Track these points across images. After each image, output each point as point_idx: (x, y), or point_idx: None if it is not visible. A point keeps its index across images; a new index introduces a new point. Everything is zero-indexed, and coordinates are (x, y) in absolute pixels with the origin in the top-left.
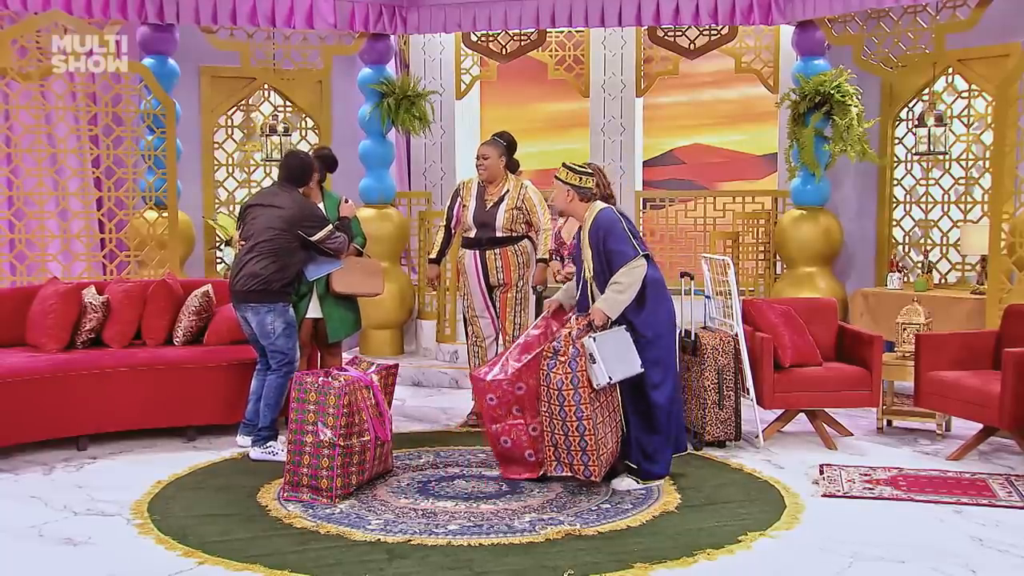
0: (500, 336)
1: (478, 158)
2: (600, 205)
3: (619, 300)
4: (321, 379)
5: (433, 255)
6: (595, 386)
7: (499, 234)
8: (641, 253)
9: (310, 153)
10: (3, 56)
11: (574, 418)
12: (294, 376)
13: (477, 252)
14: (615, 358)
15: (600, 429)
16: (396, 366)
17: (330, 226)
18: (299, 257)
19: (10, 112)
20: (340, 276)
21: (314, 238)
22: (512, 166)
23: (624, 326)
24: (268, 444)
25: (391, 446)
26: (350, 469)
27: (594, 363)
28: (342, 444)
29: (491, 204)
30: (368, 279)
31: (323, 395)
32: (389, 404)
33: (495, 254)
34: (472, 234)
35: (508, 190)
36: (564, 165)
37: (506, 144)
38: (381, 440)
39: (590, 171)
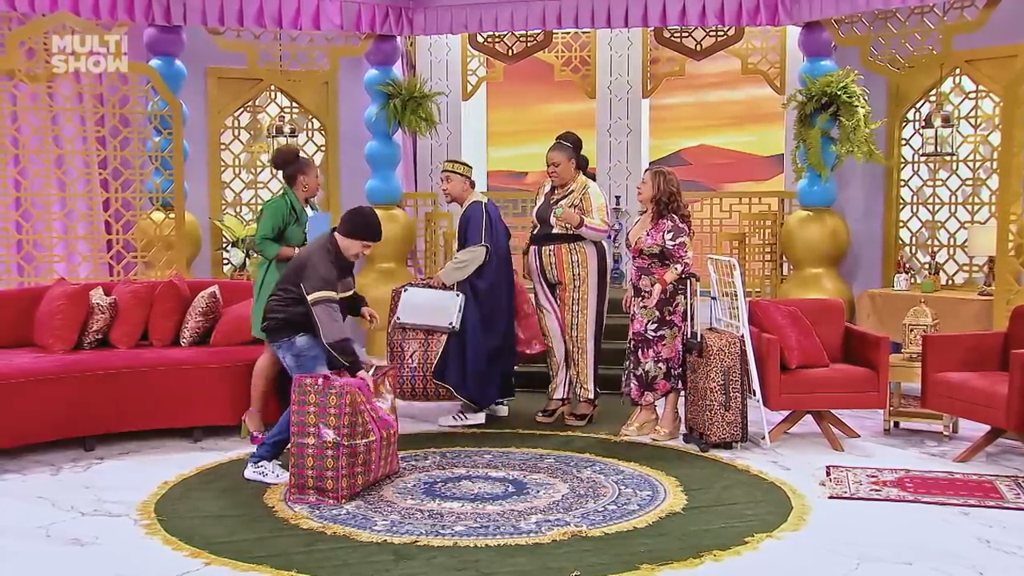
0: (563, 333)
1: (549, 165)
2: (475, 196)
3: (455, 271)
4: (321, 380)
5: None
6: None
7: (555, 231)
8: (483, 243)
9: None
10: (11, 58)
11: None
12: (294, 378)
13: (536, 248)
14: (421, 309)
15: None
16: (393, 367)
17: (329, 293)
18: (302, 309)
19: (18, 114)
20: None
21: (309, 297)
22: (581, 164)
23: (459, 293)
24: (260, 463)
25: (396, 448)
26: (355, 470)
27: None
28: (346, 444)
29: (553, 202)
30: None
31: (323, 396)
32: (392, 409)
33: (550, 250)
34: (535, 230)
35: (573, 189)
36: (452, 161)
37: (572, 145)
38: (389, 434)
39: (470, 164)
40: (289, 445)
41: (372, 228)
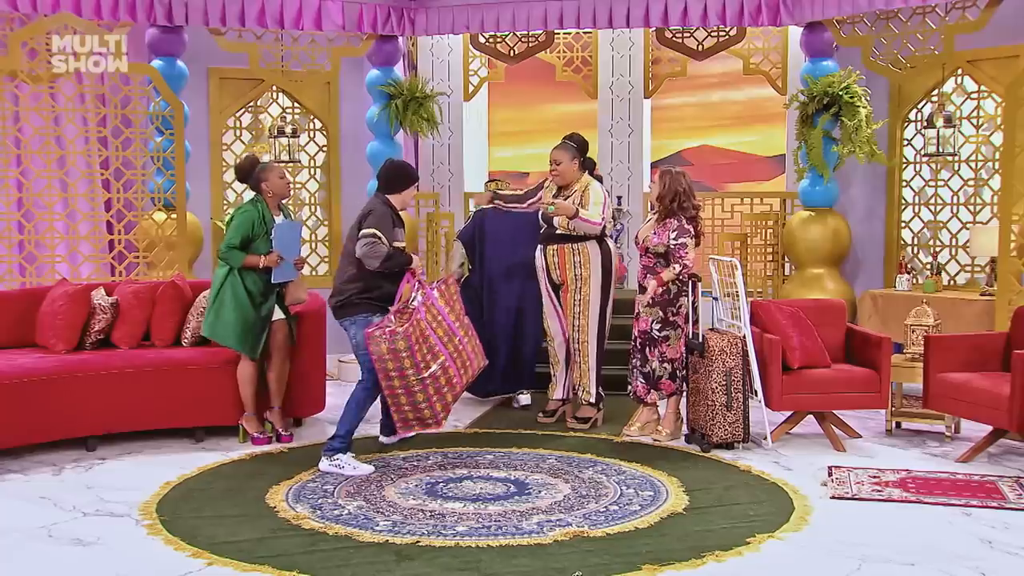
0: (566, 337)
1: (551, 163)
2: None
3: (449, 264)
4: (387, 331)
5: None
6: None
7: (558, 231)
8: (459, 238)
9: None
10: (13, 58)
11: None
12: (365, 333)
13: (542, 247)
14: None
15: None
16: (453, 275)
17: (373, 231)
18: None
19: (20, 114)
20: (291, 290)
21: (358, 245)
22: (587, 166)
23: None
24: (336, 457)
25: (475, 346)
26: (443, 391)
27: None
28: (427, 375)
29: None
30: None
31: (392, 343)
32: (458, 317)
33: (554, 250)
34: (542, 230)
35: (576, 189)
36: (490, 181)
37: (576, 146)
38: (455, 342)
39: (499, 179)
40: (382, 393)
41: (410, 173)
